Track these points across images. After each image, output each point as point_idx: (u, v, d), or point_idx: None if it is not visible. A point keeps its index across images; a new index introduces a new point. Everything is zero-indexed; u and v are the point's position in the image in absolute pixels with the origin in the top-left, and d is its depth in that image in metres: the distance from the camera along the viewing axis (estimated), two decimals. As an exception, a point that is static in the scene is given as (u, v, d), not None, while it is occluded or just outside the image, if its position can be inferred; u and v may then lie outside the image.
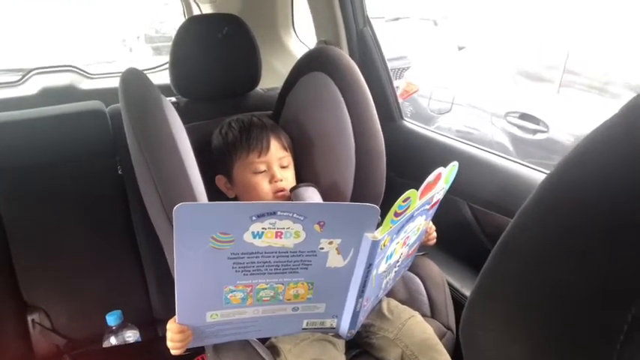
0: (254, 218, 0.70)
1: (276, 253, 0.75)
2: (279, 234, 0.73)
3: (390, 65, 1.56)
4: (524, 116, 2.53)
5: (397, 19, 4.61)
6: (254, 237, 0.72)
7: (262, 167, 1.08)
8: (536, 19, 2.98)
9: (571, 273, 0.34)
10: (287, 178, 1.10)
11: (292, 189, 1.09)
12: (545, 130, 2.43)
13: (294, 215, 0.72)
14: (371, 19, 1.55)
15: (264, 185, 1.07)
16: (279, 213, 0.71)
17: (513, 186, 1.16)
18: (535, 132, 2.47)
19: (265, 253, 0.74)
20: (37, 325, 1.27)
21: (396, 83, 3.62)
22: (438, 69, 3.35)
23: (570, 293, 0.34)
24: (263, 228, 0.71)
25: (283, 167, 1.11)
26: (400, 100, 3.12)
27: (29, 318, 1.27)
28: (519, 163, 1.21)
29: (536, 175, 1.14)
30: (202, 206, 0.79)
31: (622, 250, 0.32)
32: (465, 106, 2.89)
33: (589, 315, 0.33)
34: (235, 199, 1.13)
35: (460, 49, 3.88)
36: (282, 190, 1.08)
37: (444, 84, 3.08)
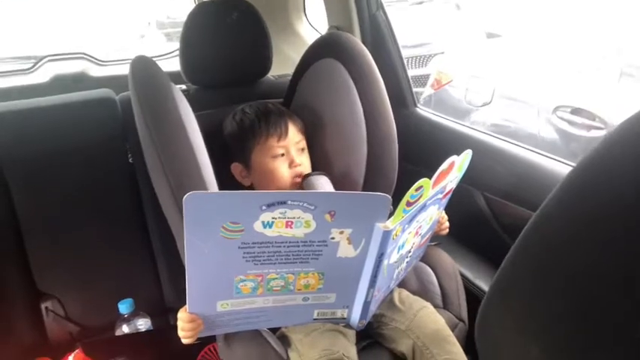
0: (264, 208, 0.69)
1: (286, 242, 0.75)
2: (289, 223, 0.72)
3: (414, 52, 1.54)
4: (576, 111, 2.29)
5: (421, 2, 4.47)
6: (264, 227, 0.71)
7: (281, 151, 1.07)
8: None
9: (593, 264, 0.33)
10: (304, 163, 1.10)
11: (304, 177, 1.08)
12: (602, 126, 2.19)
13: (305, 205, 0.71)
14: (394, 3, 1.52)
15: (283, 170, 1.07)
16: (289, 202, 0.70)
17: (529, 175, 1.14)
18: (590, 128, 2.23)
19: (276, 242, 0.74)
20: (51, 312, 1.28)
21: (422, 71, 3.49)
22: (472, 58, 3.11)
23: (591, 286, 0.33)
24: (273, 217, 0.71)
25: (300, 151, 1.10)
26: (431, 91, 3.02)
27: (43, 306, 1.28)
28: (535, 152, 1.18)
29: (552, 165, 1.12)
30: (212, 195, 0.78)
31: None
32: (505, 99, 2.66)
33: (611, 308, 0.32)
34: (251, 187, 1.12)
35: (489, 35, 3.73)
36: (300, 175, 1.07)
37: (481, 74, 2.84)
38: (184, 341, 0.84)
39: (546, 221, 0.38)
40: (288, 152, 1.08)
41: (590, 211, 0.35)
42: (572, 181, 0.37)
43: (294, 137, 1.09)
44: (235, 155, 1.12)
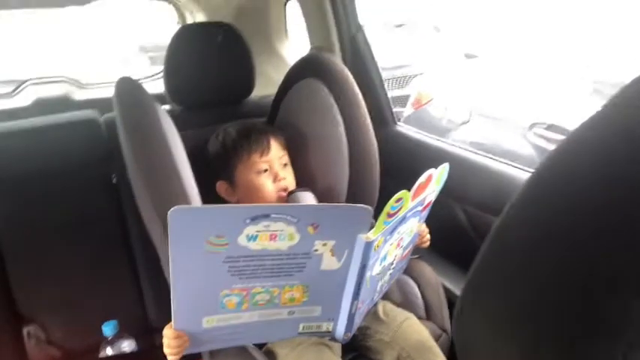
0: (248, 221, 0.70)
1: (270, 255, 0.75)
2: (273, 236, 0.73)
3: (394, 74, 1.58)
4: (552, 127, 2.37)
5: (401, 25, 4.57)
6: (248, 240, 0.72)
7: (265, 166, 1.09)
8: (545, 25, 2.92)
9: (561, 266, 0.34)
10: (288, 177, 1.11)
11: (289, 194, 1.09)
12: None
13: (288, 217, 0.72)
14: (376, 26, 1.57)
15: (268, 185, 1.08)
16: (272, 215, 0.71)
17: (505, 187, 1.17)
18: None
19: (260, 256, 0.75)
20: (33, 337, 1.26)
21: (403, 92, 3.53)
22: (451, 78, 3.21)
23: (561, 285, 0.34)
24: (257, 231, 0.72)
25: (283, 166, 1.12)
26: (412, 110, 3.07)
27: (25, 330, 1.26)
28: (512, 165, 1.22)
29: (527, 176, 1.15)
30: (196, 210, 0.79)
31: (616, 240, 0.31)
32: (483, 117, 2.73)
33: (581, 306, 0.32)
34: (237, 203, 1.13)
35: (468, 57, 3.81)
36: (285, 189, 1.09)
37: (460, 94, 2.93)
38: (170, 359, 0.83)
39: (507, 229, 0.39)
40: (272, 167, 1.09)
41: (545, 219, 0.35)
42: (529, 190, 0.38)
43: (276, 152, 1.11)
44: (220, 174, 1.13)
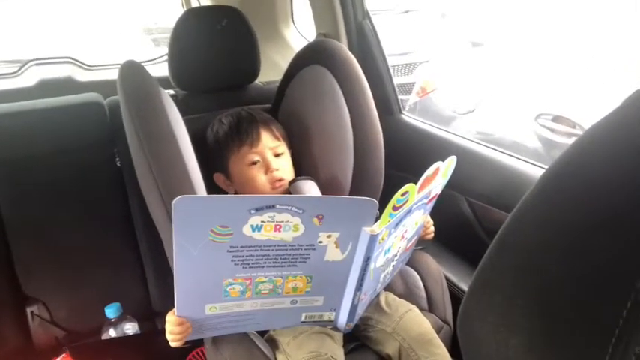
0: (253, 212, 0.70)
1: (274, 246, 0.75)
2: (277, 227, 0.73)
3: (400, 60, 1.55)
4: (557, 118, 2.34)
5: (407, 11, 4.51)
6: (253, 230, 0.72)
7: (255, 158, 1.07)
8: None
9: (571, 264, 0.34)
10: (283, 167, 1.09)
11: (291, 182, 1.09)
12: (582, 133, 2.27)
13: (293, 209, 0.72)
14: (380, 12, 1.54)
15: (260, 177, 1.07)
16: (278, 206, 0.71)
17: (512, 181, 1.16)
18: (570, 136, 2.28)
19: (264, 246, 0.75)
20: (37, 317, 1.27)
21: (408, 79, 3.51)
22: (457, 66, 3.16)
23: (569, 284, 0.34)
24: (262, 221, 0.72)
25: (277, 156, 1.10)
26: (416, 99, 3.06)
27: (28, 310, 1.27)
28: (518, 159, 1.21)
29: (534, 171, 1.15)
30: (201, 199, 0.79)
31: (622, 243, 0.31)
32: (488, 107, 2.70)
33: (587, 304, 0.33)
34: (235, 194, 1.13)
35: (474, 45, 3.78)
36: (279, 180, 1.07)
37: (465, 82, 2.89)
38: (172, 344, 0.84)
39: (519, 224, 0.39)
40: (264, 158, 1.08)
41: (565, 214, 0.35)
42: (542, 187, 0.38)
43: (267, 143, 1.09)
44: (216, 166, 1.12)
